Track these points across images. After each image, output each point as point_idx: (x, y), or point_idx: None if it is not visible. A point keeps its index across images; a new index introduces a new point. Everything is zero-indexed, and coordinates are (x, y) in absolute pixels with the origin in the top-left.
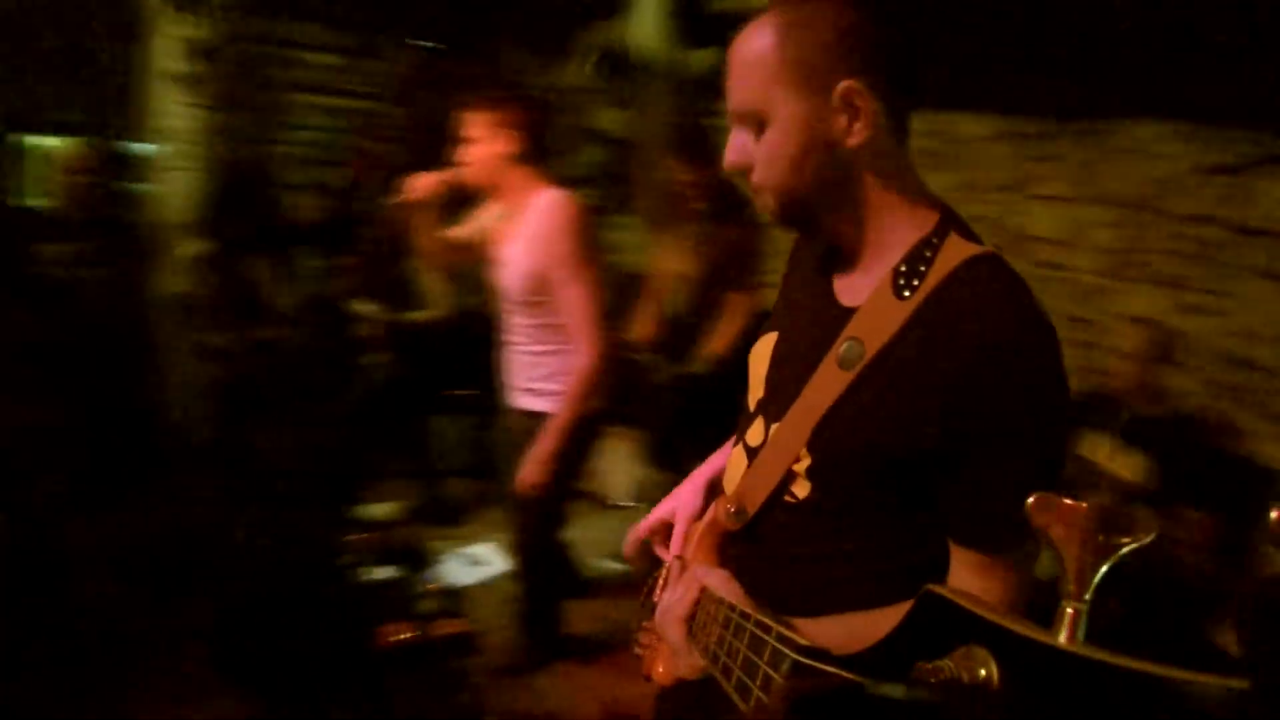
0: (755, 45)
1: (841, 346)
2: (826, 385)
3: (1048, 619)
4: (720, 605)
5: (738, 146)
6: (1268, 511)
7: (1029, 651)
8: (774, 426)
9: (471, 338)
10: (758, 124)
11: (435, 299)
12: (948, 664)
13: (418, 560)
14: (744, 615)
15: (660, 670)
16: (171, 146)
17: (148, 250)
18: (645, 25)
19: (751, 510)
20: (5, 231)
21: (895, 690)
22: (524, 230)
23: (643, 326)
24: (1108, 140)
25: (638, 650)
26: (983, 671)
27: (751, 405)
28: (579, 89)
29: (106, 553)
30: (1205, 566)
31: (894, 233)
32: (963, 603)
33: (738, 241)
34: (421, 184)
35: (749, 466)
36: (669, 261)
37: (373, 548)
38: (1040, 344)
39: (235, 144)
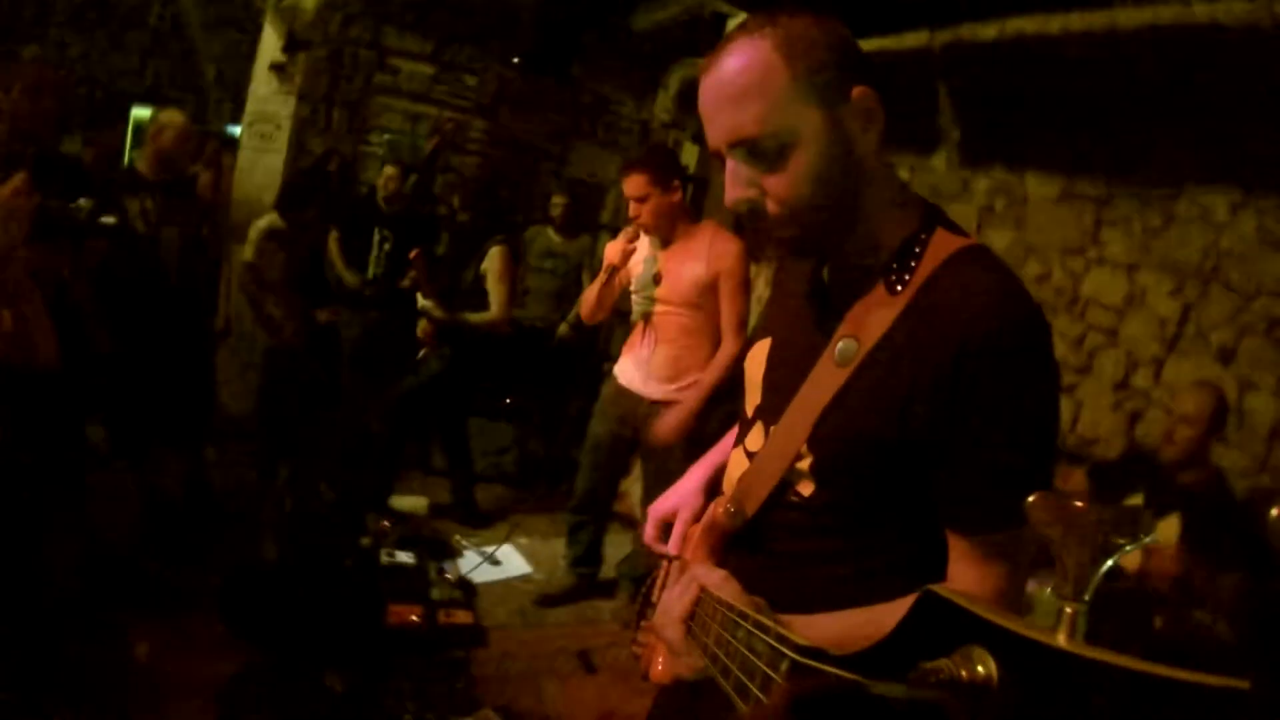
0: (755, 66)
1: (837, 345)
2: (823, 383)
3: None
4: (719, 605)
5: (743, 179)
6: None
7: (1029, 651)
8: (772, 428)
9: (528, 348)
10: (775, 149)
11: (495, 304)
12: (948, 664)
13: (438, 550)
14: (742, 615)
15: (658, 670)
16: (260, 129)
17: (220, 220)
18: None
19: (750, 510)
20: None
21: (895, 690)
22: (696, 250)
23: None
24: (1173, 206)
25: (635, 650)
26: (982, 671)
27: (749, 411)
28: (662, 124)
29: (134, 500)
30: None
31: (885, 232)
32: (963, 603)
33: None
34: (616, 250)
35: (748, 468)
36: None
37: (396, 534)
38: (1027, 330)
39: (318, 133)
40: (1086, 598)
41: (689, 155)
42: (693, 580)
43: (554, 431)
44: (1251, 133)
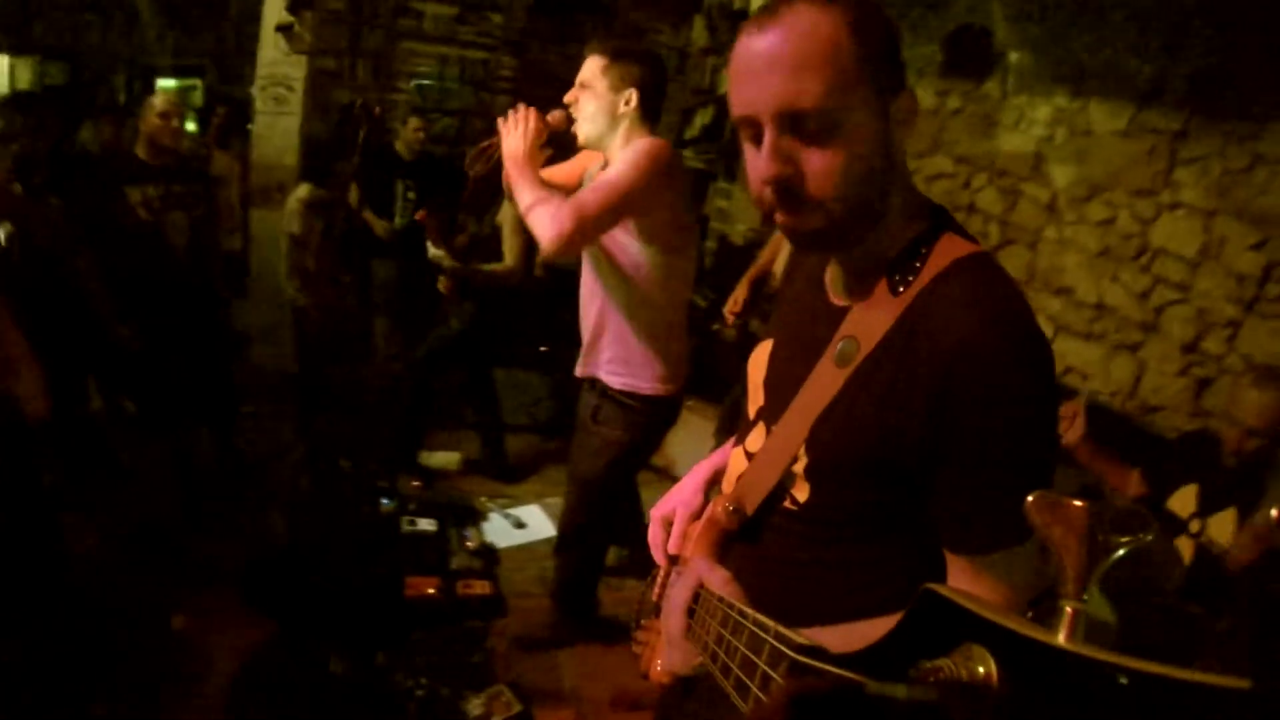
0: (824, 36)
1: (838, 345)
2: (823, 384)
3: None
4: (720, 603)
5: (782, 155)
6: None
7: (1029, 651)
8: (773, 429)
9: (551, 293)
10: (824, 128)
11: (509, 254)
12: (948, 664)
13: (461, 516)
14: (742, 614)
15: (658, 668)
16: (273, 92)
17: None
18: None
19: (749, 510)
20: (97, 177)
21: (895, 690)
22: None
23: (736, 296)
24: (1258, 144)
25: (635, 649)
26: (982, 671)
27: (751, 413)
28: (701, 50)
29: (170, 475)
30: None
31: (891, 232)
32: (963, 602)
33: None
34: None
35: (748, 467)
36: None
37: (420, 498)
38: (1022, 346)
39: (343, 87)
40: (1086, 598)
41: (727, 83)
42: (694, 573)
43: None
44: None
